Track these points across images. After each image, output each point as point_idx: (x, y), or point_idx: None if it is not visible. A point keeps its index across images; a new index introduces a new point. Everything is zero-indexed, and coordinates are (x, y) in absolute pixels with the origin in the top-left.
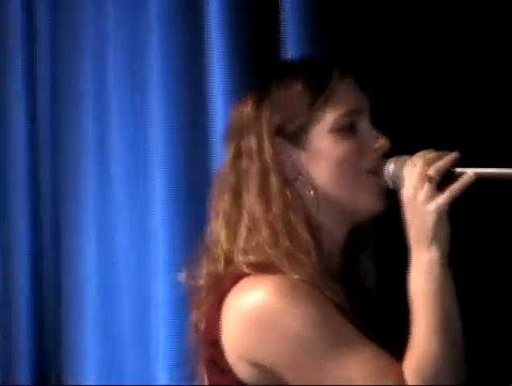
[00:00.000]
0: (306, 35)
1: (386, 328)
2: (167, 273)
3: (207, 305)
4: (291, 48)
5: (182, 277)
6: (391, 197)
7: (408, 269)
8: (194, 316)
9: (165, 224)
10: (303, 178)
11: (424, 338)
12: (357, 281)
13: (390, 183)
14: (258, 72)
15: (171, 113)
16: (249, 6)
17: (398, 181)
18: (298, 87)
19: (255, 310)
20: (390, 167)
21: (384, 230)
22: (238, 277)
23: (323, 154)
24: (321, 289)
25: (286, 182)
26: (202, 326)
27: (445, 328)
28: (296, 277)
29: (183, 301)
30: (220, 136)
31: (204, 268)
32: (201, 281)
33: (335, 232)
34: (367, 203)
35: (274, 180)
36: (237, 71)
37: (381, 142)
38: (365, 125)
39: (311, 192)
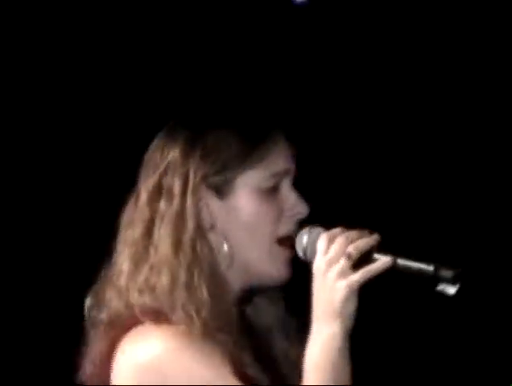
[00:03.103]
0: None
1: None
2: None
3: (101, 342)
4: None
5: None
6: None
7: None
8: (87, 353)
9: None
10: (219, 230)
11: None
12: (255, 326)
13: (301, 253)
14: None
15: None
16: None
17: (309, 252)
18: (233, 141)
19: (147, 361)
20: (304, 238)
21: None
22: (132, 324)
23: (241, 212)
24: (211, 342)
25: (201, 231)
26: (90, 368)
27: None
28: (184, 328)
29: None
30: None
31: (105, 301)
32: (101, 315)
33: (236, 288)
34: (270, 271)
35: (188, 227)
36: None
37: (300, 208)
38: (286, 187)
39: (225, 246)
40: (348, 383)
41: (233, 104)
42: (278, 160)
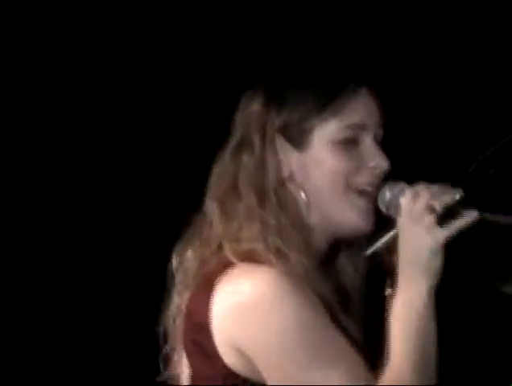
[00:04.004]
0: None
1: (368, 326)
2: None
3: (193, 289)
4: None
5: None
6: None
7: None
8: (176, 297)
9: None
10: (297, 180)
11: (399, 364)
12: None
13: (383, 208)
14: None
15: None
16: None
17: (393, 208)
18: (308, 93)
19: (249, 300)
20: (387, 193)
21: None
22: (227, 266)
23: (319, 162)
24: (307, 284)
25: (282, 180)
26: (185, 309)
27: (419, 356)
28: (282, 269)
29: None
30: None
31: (192, 251)
32: (187, 263)
33: (321, 240)
34: (351, 220)
35: (270, 177)
36: None
37: (380, 162)
38: (368, 141)
39: (303, 195)
40: (433, 339)
41: (312, 58)
42: (356, 112)
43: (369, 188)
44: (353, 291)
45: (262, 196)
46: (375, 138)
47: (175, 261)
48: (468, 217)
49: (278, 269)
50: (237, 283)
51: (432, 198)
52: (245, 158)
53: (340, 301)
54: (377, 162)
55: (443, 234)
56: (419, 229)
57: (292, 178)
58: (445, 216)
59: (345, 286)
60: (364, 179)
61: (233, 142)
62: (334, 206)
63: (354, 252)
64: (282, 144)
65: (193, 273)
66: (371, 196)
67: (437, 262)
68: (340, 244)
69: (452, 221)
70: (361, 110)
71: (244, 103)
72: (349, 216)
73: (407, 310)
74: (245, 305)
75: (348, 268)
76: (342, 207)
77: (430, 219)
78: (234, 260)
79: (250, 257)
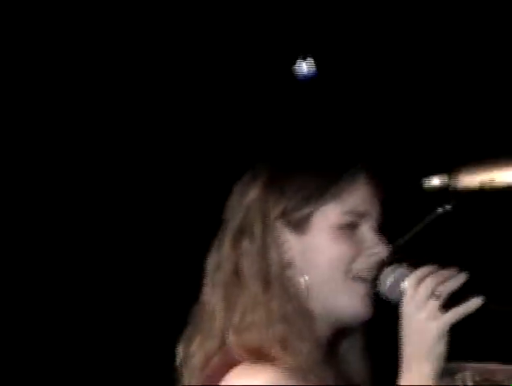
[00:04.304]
0: None
1: None
2: None
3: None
4: None
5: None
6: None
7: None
8: None
9: None
10: (298, 266)
11: None
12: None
13: (385, 294)
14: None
15: None
16: None
17: (395, 293)
18: (310, 178)
19: None
20: (388, 279)
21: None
22: (230, 366)
23: (319, 248)
24: (312, 378)
25: (284, 266)
26: None
27: None
28: (287, 365)
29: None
30: None
31: (197, 344)
32: (192, 359)
33: (321, 328)
34: (350, 307)
35: (273, 263)
36: None
37: (379, 249)
38: (366, 228)
39: (303, 281)
40: None
41: (312, 143)
42: (355, 198)
43: (367, 274)
44: (357, 379)
45: (265, 283)
46: (374, 224)
47: (180, 356)
48: (474, 303)
49: (283, 367)
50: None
51: (437, 282)
52: (247, 244)
53: None
54: (377, 249)
55: (448, 320)
56: (423, 315)
57: (293, 263)
58: (450, 301)
59: (349, 375)
60: (363, 265)
61: (231, 229)
62: (334, 292)
63: (355, 339)
64: (282, 229)
65: (197, 372)
66: (370, 282)
67: (441, 347)
68: (341, 333)
69: (457, 306)
70: (360, 196)
71: (241, 189)
72: (346, 303)
73: None
74: None
75: (351, 356)
76: (342, 294)
77: (434, 305)
78: (239, 357)
79: (255, 352)
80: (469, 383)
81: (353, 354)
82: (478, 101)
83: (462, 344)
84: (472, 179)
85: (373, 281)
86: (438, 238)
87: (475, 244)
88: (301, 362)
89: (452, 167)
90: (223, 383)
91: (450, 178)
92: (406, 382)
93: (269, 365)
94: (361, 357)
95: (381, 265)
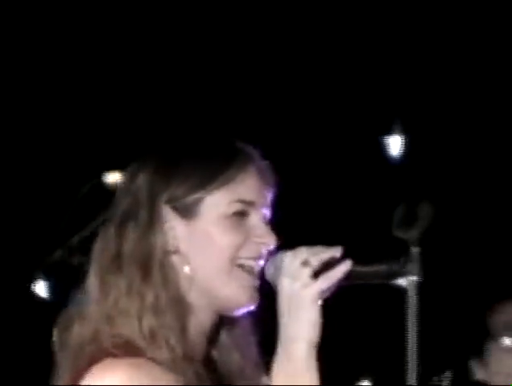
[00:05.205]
0: None
1: None
2: None
3: (66, 375)
4: None
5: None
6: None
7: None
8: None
9: None
10: (182, 252)
11: None
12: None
13: (271, 280)
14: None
15: None
16: None
17: (276, 277)
18: (198, 165)
19: None
20: (271, 266)
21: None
22: (99, 357)
23: (205, 235)
24: (177, 373)
25: (167, 253)
26: None
27: None
28: (157, 359)
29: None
30: None
31: (74, 331)
32: (67, 346)
33: (202, 318)
34: (234, 295)
35: (155, 248)
36: None
37: (267, 239)
38: (255, 218)
39: (187, 268)
40: None
41: (202, 133)
42: (244, 187)
43: (253, 263)
44: (238, 373)
45: (145, 269)
46: (263, 215)
47: (56, 338)
48: (341, 267)
49: (151, 361)
50: (94, 381)
51: (310, 255)
52: (130, 230)
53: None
54: (264, 239)
55: (317, 286)
56: (296, 284)
57: (178, 250)
58: (323, 271)
59: (230, 368)
60: (249, 254)
61: (117, 214)
62: (215, 279)
63: (238, 333)
64: (169, 215)
65: (71, 361)
66: (255, 271)
67: (314, 314)
68: (222, 323)
69: (326, 273)
70: (249, 185)
71: (129, 175)
72: (230, 291)
73: (285, 361)
74: None
75: (233, 351)
76: (223, 281)
77: (306, 273)
78: (105, 350)
79: (124, 344)
80: None
81: (234, 342)
82: None
83: None
84: None
85: (260, 271)
86: None
87: None
88: (170, 356)
89: None
90: (92, 373)
91: None
92: (281, 350)
93: (135, 359)
94: (245, 345)
95: (269, 255)
